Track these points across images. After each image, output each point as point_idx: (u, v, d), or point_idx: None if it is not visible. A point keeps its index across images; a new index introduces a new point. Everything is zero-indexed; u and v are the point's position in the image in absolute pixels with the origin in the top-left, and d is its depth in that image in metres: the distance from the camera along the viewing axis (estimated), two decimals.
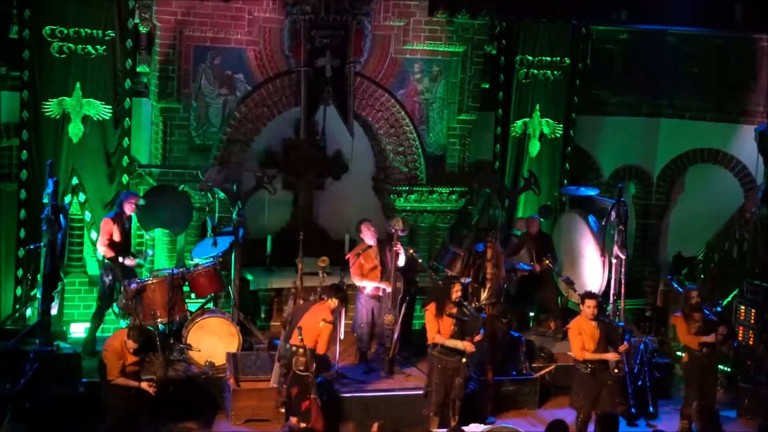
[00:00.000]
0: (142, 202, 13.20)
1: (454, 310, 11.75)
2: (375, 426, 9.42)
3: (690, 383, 12.58)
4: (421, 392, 12.26)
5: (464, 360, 11.75)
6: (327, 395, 12.04)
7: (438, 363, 11.86)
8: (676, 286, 14.23)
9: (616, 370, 11.79)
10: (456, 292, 11.77)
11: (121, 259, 12.86)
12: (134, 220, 13.56)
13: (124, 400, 11.13)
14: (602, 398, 11.70)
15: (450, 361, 11.79)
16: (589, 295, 11.92)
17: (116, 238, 12.89)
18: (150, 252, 13.70)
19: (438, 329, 11.78)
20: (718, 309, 13.40)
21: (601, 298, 12.46)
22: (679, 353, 15.10)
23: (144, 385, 11.09)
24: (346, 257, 13.35)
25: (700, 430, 10.19)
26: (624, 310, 13.32)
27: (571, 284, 12.78)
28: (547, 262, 13.64)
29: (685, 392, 12.76)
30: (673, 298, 13.98)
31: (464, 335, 11.77)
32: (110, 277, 12.92)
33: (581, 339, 11.65)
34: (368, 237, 13.10)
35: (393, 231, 12.93)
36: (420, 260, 13.38)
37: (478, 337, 11.77)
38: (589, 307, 11.65)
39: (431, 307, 11.84)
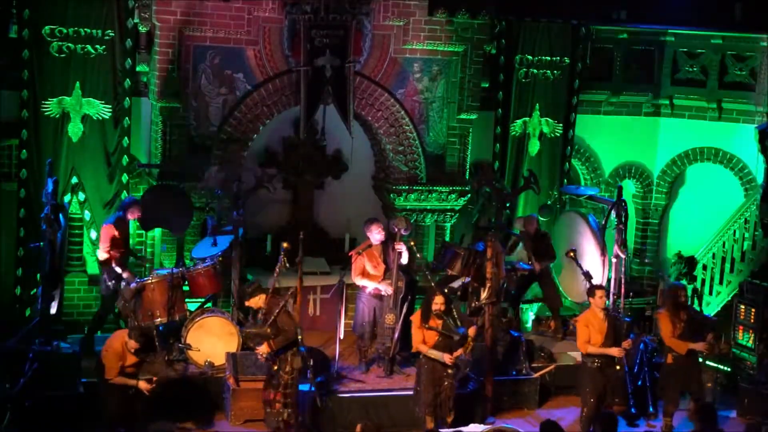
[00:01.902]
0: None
1: (438, 323, 11.72)
2: (358, 427, 9.42)
3: (671, 385, 12.45)
4: None
5: (450, 371, 11.75)
6: (326, 395, 12.07)
7: (425, 363, 11.85)
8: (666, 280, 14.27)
9: (617, 366, 11.79)
10: (436, 305, 11.71)
11: (119, 270, 12.83)
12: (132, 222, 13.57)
13: (122, 400, 11.13)
14: (611, 393, 11.82)
15: (437, 363, 11.79)
16: (599, 286, 12.07)
17: (117, 244, 12.86)
18: (163, 248, 13.72)
19: (423, 339, 11.78)
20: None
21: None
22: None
23: (142, 383, 11.09)
24: (349, 254, 13.33)
25: (698, 430, 10.19)
26: (624, 309, 13.33)
27: (590, 278, 12.82)
28: (572, 255, 13.61)
29: (665, 392, 12.62)
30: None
31: (450, 347, 11.74)
32: (113, 282, 12.89)
33: (587, 332, 11.75)
34: (375, 237, 13.05)
35: (396, 230, 12.91)
36: (417, 255, 13.29)
37: (458, 352, 11.71)
38: (600, 297, 11.79)
39: (416, 318, 11.84)
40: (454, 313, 11.91)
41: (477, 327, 12.16)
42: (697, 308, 13.04)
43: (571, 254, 13.48)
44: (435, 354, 11.70)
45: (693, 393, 12.36)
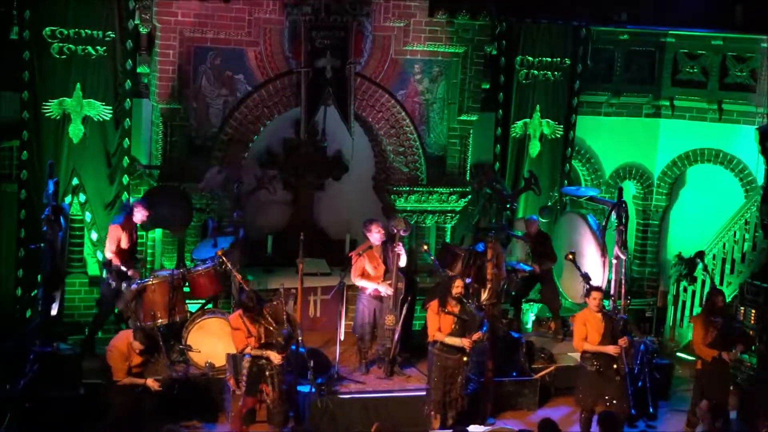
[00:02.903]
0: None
1: (456, 308, 11.75)
2: (374, 427, 9.44)
3: (699, 392, 12.30)
4: (421, 393, 12.28)
5: (465, 359, 11.76)
6: (327, 396, 12.08)
7: (438, 360, 11.88)
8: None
9: (614, 366, 11.78)
10: (456, 288, 11.76)
11: (124, 269, 12.84)
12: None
13: (127, 401, 11.17)
14: (610, 396, 11.74)
15: (450, 359, 11.81)
16: (596, 288, 12.03)
17: (123, 245, 12.88)
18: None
19: (439, 327, 11.80)
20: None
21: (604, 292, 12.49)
22: (680, 354, 15.17)
23: (150, 381, 11.14)
24: (349, 255, 13.34)
25: (707, 430, 10.18)
26: (625, 310, 13.33)
27: (589, 280, 12.84)
28: (571, 257, 13.64)
29: (692, 399, 12.53)
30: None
31: (465, 333, 11.77)
32: (116, 282, 12.88)
33: (584, 330, 11.75)
34: (374, 237, 13.05)
35: (395, 232, 12.91)
36: (432, 257, 13.30)
37: (476, 335, 11.75)
38: (595, 299, 11.78)
39: (433, 305, 11.85)
40: (470, 301, 11.99)
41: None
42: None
43: (570, 257, 13.50)
44: (453, 340, 11.71)
45: (719, 400, 12.09)
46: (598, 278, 13.93)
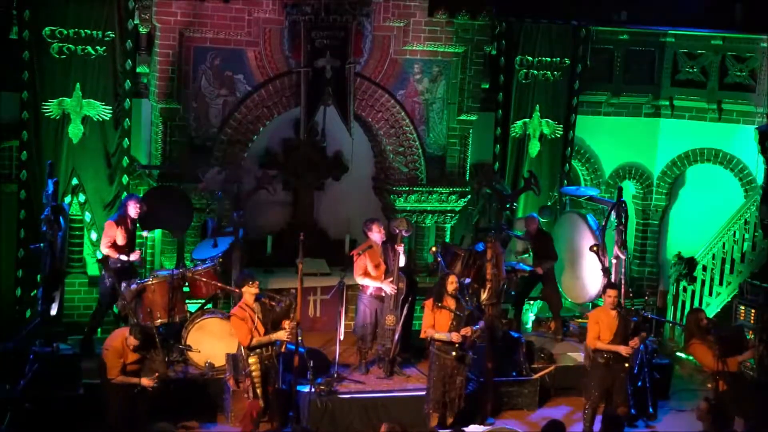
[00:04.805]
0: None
1: (453, 305, 11.76)
2: (383, 428, 9.44)
3: (738, 410, 12.02)
4: (421, 393, 12.28)
5: (454, 354, 11.75)
6: (326, 396, 12.08)
7: (437, 360, 11.89)
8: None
9: (627, 365, 11.83)
10: (451, 284, 11.78)
11: (124, 257, 12.84)
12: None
13: (124, 400, 11.15)
14: (615, 392, 11.85)
15: (448, 359, 11.81)
16: (612, 285, 12.07)
17: (120, 241, 12.87)
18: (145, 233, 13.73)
19: (433, 323, 11.82)
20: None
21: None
22: (680, 354, 15.15)
23: (144, 380, 11.11)
24: (350, 254, 13.33)
25: (707, 430, 10.19)
26: (632, 310, 13.33)
27: (609, 274, 12.71)
28: (595, 249, 13.62)
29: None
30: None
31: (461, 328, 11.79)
32: (111, 279, 12.89)
33: (597, 328, 11.83)
34: (375, 237, 13.04)
35: (397, 232, 12.90)
36: (440, 260, 13.27)
37: (465, 330, 11.73)
38: (610, 296, 11.85)
39: (428, 302, 11.88)
40: (469, 300, 12.01)
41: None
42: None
43: (594, 248, 13.51)
44: (441, 336, 11.73)
45: (748, 417, 11.99)
46: (598, 279, 13.94)
